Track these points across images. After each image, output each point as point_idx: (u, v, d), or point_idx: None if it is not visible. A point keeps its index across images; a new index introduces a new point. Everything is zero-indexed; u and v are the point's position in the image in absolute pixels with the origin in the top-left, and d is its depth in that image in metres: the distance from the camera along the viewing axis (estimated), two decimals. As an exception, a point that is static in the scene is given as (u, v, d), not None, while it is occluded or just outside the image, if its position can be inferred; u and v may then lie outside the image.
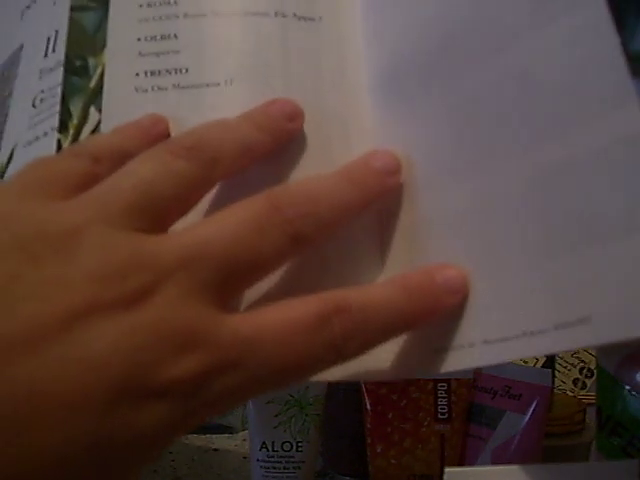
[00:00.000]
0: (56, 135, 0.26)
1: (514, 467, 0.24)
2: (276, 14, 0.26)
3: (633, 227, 0.18)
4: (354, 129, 0.26)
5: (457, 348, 0.22)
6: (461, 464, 0.41)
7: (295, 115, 0.24)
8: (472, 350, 0.21)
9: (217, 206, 0.23)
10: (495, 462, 0.39)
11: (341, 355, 0.19)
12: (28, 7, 0.32)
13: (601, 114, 0.19)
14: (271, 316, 0.19)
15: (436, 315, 0.21)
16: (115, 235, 0.18)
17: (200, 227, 0.19)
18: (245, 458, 0.45)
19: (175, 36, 0.26)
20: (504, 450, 0.39)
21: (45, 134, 0.27)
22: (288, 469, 0.43)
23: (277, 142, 0.24)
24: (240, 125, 0.23)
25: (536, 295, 0.20)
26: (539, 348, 0.20)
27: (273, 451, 0.43)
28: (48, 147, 0.26)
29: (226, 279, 0.19)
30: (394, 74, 0.26)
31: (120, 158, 0.22)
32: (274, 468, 0.43)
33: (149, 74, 0.25)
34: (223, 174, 0.22)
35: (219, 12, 0.26)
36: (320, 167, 0.25)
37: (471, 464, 0.40)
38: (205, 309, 0.18)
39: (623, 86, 0.18)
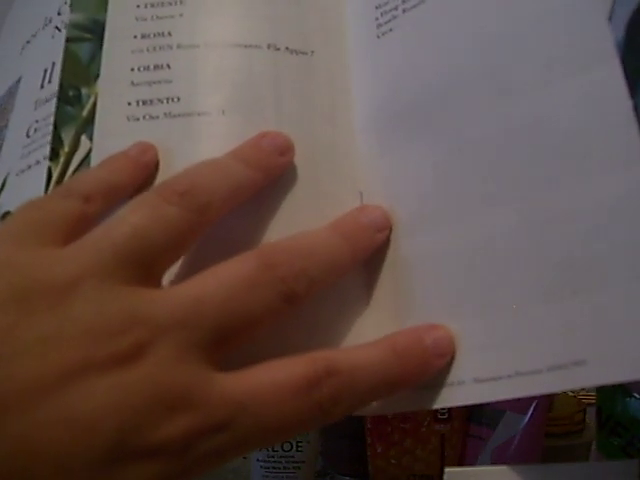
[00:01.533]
0: (47, 163, 0.26)
1: (514, 467, 0.24)
2: (269, 47, 0.26)
3: (633, 276, 0.18)
4: (343, 165, 0.26)
5: (446, 386, 0.22)
6: (461, 464, 0.40)
7: (286, 149, 0.24)
8: (462, 388, 0.21)
9: (206, 246, 0.23)
10: (495, 462, 0.39)
11: (328, 417, 0.19)
12: (28, 42, 0.32)
13: (609, 170, 0.19)
14: (262, 377, 0.19)
15: (423, 377, 0.21)
16: (110, 289, 0.18)
17: (194, 284, 0.19)
18: (245, 458, 0.45)
19: (168, 66, 0.26)
20: (504, 450, 0.39)
21: (37, 162, 0.27)
22: (288, 469, 0.43)
23: (268, 178, 0.24)
24: (231, 164, 0.23)
25: (530, 336, 0.20)
26: (532, 388, 0.20)
27: (273, 451, 0.43)
28: (39, 175, 0.26)
29: (219, 338, 0.19)
30: (388, 115, 0.26)
31: (111, 194, 0.22)
32: (274, 468, 0.43)
33: (141, 103, 0.25)
34: (216, 217, 0.21)
35: (212, 44, 0.26)
36: (309, 202, 0.25)
37: (471, 464, 0.40)
38: (198, 369, 0.18)
39: (633, 146, 0.19)
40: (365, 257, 0.24)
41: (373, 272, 0.25)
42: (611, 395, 0.38)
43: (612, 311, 0.19)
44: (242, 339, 0.20)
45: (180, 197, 0.20)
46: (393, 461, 0.41)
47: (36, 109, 0.29)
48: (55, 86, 0.28)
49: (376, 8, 0.28)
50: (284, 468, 0.43)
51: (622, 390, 0.37)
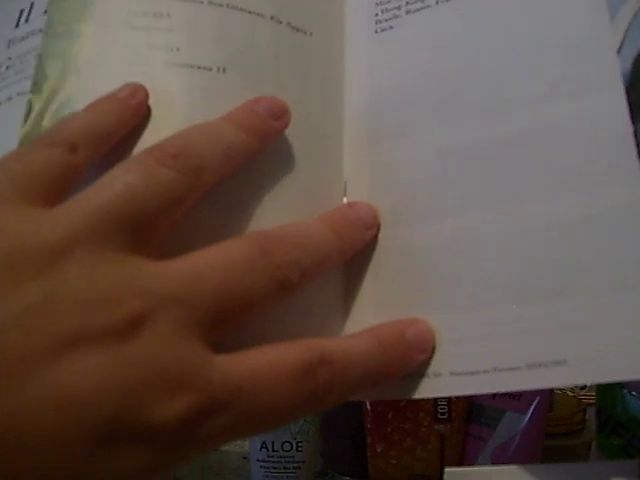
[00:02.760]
0: (24, 99, 0.25)
1: (514, 467, 0.24)
2: (272, 18, 0.26)
3: (616, 285, 0.19)
4: (332, 150, 0.26)
5: (423, 377, 0.22)
6: (461, 464, 0.40)
7: (282, 113, 0.24)
8: (439, 380, 0.22)
9: (199, 216, 0.22)
10: (495, 462, 0.39)
11: (320, 405, 0.19)
12: None
13: (604, 185, 0.20)
14: (259, 361, 0.18)
15: (406, 370, 0.22)
16: (104, 256, 0.17)
17: (193, 260, 0.19)
18: (245, 458, 0.45)
19: (168, 15, 0.25)
20: (504, 450, 0.39)
21: (9, 99, 0.26)
22: (288, 469, 0.43)
23: (263, 143, 0.23)
24: (225, 128, 0.22)
25: (510, 333, 0.21)
26: (509, 384, 0.20)
27: (273, 451, 0.43)
28: (11, 111, 0.25)
29: (217, 318, 0.18)
30: (379, 108, 0.26)
31: (98, 141, 0.21)
32: (274, 468, 0.43)
33: (137, 47, 0.25)
34: (210, 181, 0.21)
35: (216, 2, 0.26)
36: (301, 182, 0.25)
37: (471, 464, 0.40)
38: (196, 348, 0.17)
39: (630, 165, 0.20)
40: (353, 252, 0.24)
41: (354, 262, 0.25)
42: (611, 395, 0.38)
43: (595, 315, 0.19)
44: (237, 322, 0.19)
45: (173, 159, 0.20)
46: (393, 461, 0.41)
47: (9, 47, 0.28)
48: (33, 25, 0.27)
49: (376, 4, 0.28)
50: (284, 468, 0.43)
51: (622, 390, 0.37)
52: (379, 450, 0.41)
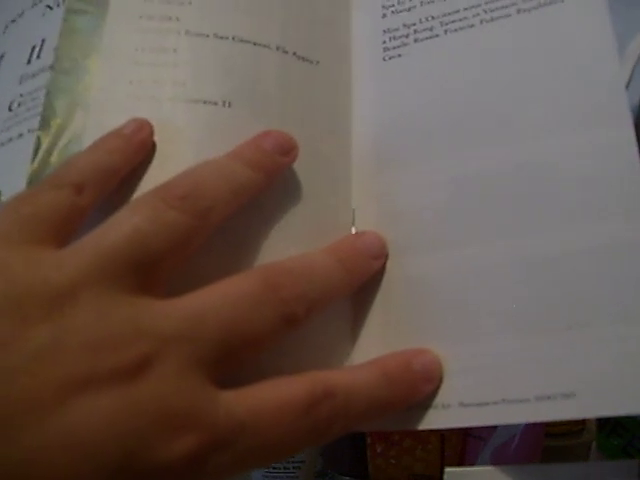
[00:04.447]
0: (34, 135, 0.25)
1: (514, 467, 0.24)
2: (277, 48, 0.26)
3: (621, 317, 0.19)
4: (340, 179, 0.26)
5: (432, 408, 0.22)
6: (461, 464, 0.40)
7: (289, 148, 0.24)
8: (447, 411, 0.21)
9: (207, 253, 0.22)
10: (495, 462, 0.39)
11: (322, 438, 0.19)
12: (13, 21, 0.32)
13: (610, 217, 0.21)
14: (263, 397, 0.19)
15: (412, 401, 0.22)
16: (111, 297, 0.17)
17: (199, 297, 0.19)
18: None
19: (174, 50, 0.25)
20: (504, 450, 0.39)
21: (20, 135, 0.26)
22: (288, 469, 0.43)
23: (270, 179, 0.23)
24: (232, 166, 0.22)
25: (519, 365, 0.21)
26: (518, 416, 0.20)
27: (273, 451, 0.43)
28: (22, 148, 0.25)
29: (222, 354, 0.18)
30: (388, 136, 0.26)
31: (104, 180, 0.21)
32: (274, 468, 0.43)
33: (144, 83, 0.25)
34: (218, 221, 0.21)
35: (221, 35, 0.26)
36: (308, 213, 0.25)
37: (471, 464, 0.40)
38: (201, 386, 0.18)
39: (636, 199, 0.21)
40: (361, 283, 0.24)
41: (362, 291, 0.25)
42: (611, 395, 0.38)
43: (603, 347, 0.19)
44: (243, 358, 0.19)
45: (181, 201, 0.20)
46: (393, 461, 0.41)
47: (21, 84, 0.28)
48: (44, 61, 0.27)
49: (384, 32, 0.28)
50: (284, 468, 0.43)
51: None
52: (379, 450, 0.41)
